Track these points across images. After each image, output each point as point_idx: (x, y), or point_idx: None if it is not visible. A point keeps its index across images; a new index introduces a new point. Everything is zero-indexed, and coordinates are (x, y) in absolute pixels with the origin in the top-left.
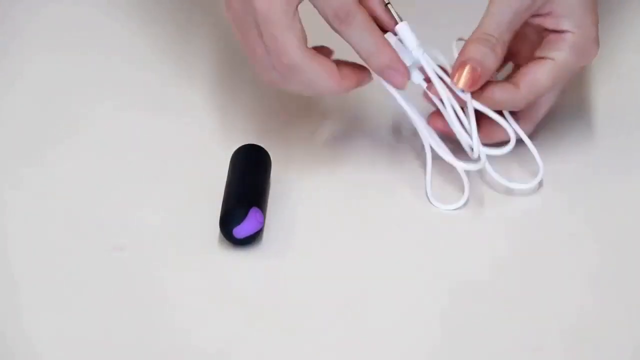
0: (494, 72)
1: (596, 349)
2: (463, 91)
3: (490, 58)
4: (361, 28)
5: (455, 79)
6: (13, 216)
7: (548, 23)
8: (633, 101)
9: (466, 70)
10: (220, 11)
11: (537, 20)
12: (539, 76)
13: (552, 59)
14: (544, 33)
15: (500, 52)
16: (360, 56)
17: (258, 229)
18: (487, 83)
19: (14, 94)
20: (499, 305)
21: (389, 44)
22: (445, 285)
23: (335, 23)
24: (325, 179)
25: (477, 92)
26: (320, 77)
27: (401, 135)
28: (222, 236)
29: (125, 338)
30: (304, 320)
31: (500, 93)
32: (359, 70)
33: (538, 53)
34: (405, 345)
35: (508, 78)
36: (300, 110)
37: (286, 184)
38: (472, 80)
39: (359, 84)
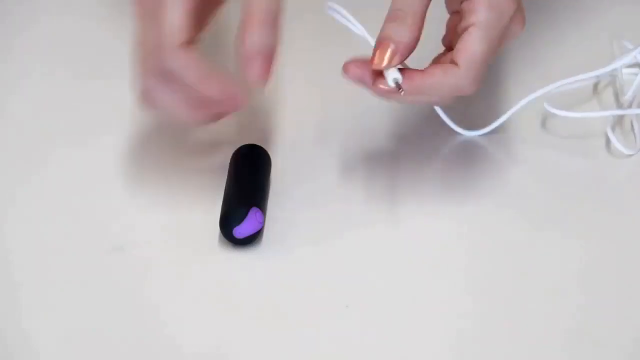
0: (415, 42)
1: (595, 348)
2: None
3: (402, 31)
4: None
5: (375, 61)
6: (13, 216)
7: None
8: None
9: (381, 49)
10: (219, 13)
11: None
12: (470, 44)
13: (474, 23)
14: (461, 5)
15: (412, 21)
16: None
17: (258, 229)
18: (429, 68)
19: (15, 94)
20: (498, 304)
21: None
22: (444, 286)
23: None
24: (325, 178)
25: (419, 77)
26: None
27: (401, 136)
28: (222, 236)
29: (125, 338)
30: (304, 321)
31: (442, 74)
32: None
33: (462, 25)
34: (405, 345)
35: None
36: (300, 110)
37: (286, 184)
38: (391, 55)
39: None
